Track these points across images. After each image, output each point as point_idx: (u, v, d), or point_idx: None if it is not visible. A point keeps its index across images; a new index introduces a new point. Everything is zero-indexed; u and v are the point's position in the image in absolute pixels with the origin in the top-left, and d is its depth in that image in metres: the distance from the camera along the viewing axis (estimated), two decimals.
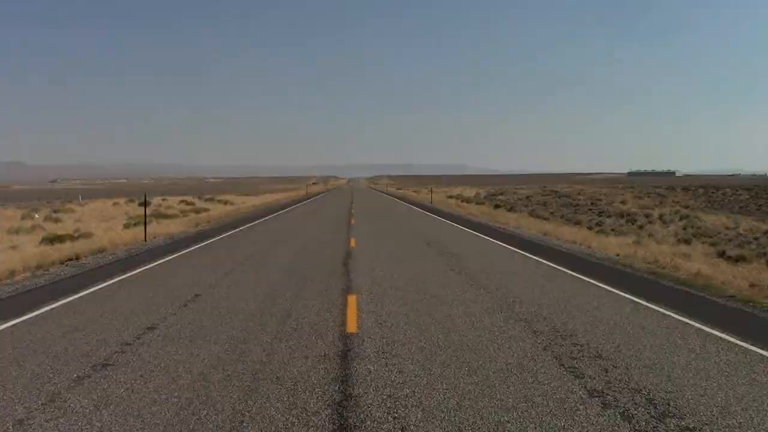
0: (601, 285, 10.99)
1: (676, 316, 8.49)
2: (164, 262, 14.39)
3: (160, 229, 22.91)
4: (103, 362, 6.34)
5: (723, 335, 7.47)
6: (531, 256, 15.37)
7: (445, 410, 5.04)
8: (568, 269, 12.94)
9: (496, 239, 19.83)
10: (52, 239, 18.46)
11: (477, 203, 48.79)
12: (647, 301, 9.49)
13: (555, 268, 13.24)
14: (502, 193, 68.11)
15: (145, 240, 19.75)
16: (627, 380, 5.79)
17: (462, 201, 53.89)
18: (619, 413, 5.00)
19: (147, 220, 22.91)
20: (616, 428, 4.73)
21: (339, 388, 5.56)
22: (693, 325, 7.97)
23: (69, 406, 5.17)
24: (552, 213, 35.59)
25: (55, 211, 37.71)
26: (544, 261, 14.33)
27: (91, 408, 5.12)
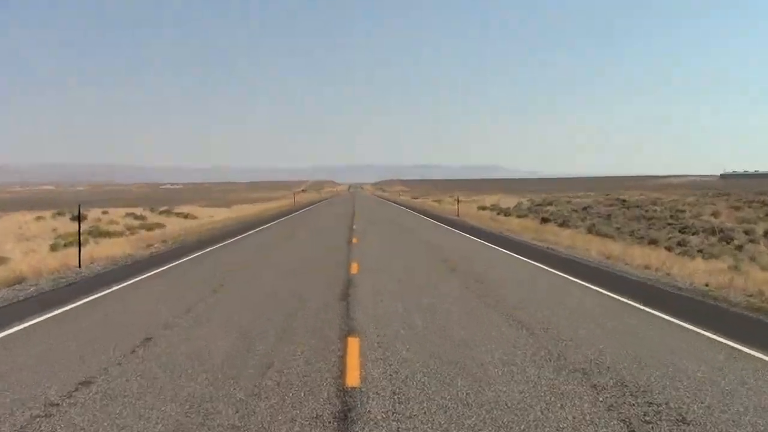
0: (684, 325, 10.92)
1: None
2: (104, 295, 14.43)
3: (99, 252, 23.02)
4: (19, 430, 6.34)
5: None
6: (589, 285, 15.32)
7: None
8: (639, 303, 12.88)
9: (542, 264, 19.79)
10: None
11: (518, 216, 48.73)
12: (748, 347, 9.40)
13: (622, 301, 13.19)
14: (551, 203, 68.00)
15: (79, 266, 19.85)
16: None
17: (498, 213, 53.87)
18: None
19: (82, 239, 23.03)
20: None
21: None
22: None
23: None
24: (618, 229, 35.46)
25: None
26: (607, 292, 14.27)
27: None
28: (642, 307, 12.49)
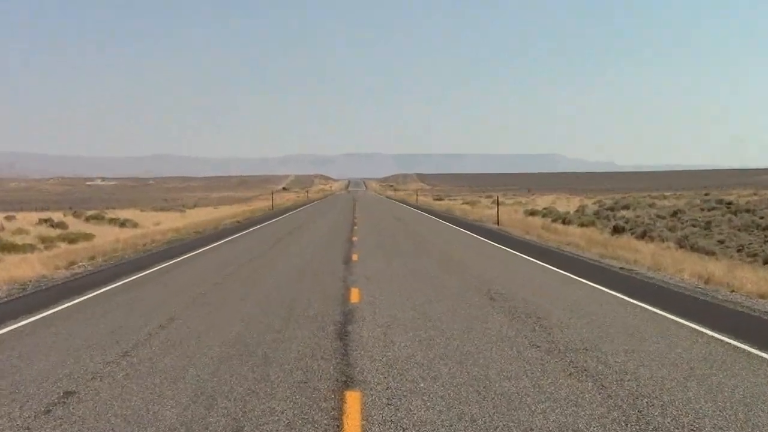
0: None
1: None
2: (9, 332, 14.46)
3: (0, 272, 23.05)
4: None
5: None
6: (680, 320, 15.22)
7: None
8: (753, 347, 12.77)
9: (613, 290, 19.68)
10: None
11: (580, 224, 48.64)
12: None
13: (726, 343, 13.07)
14: (627, 206, 67.84)
15: None
16: None
17: (553, 220, 53.77)
18: None
19: None
20: None
21: None
22: None
23: None
24: (721, 242, 35.31)
25: None
26: (705, 330, 14.17)
27: None
28: (757, 353, 12.37)
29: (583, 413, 8.96)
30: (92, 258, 29.48)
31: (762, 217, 50.11)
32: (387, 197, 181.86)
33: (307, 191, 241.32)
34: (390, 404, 9.31)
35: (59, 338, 13.72)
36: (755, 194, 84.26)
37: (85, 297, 19.05)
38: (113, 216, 63.69)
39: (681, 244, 34.08)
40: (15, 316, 16.20)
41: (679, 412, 9.01)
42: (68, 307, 17.51)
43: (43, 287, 21.41)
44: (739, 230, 42.71)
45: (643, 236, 38.76)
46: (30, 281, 22.49)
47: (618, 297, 18.69)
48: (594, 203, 77.80)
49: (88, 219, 60.05)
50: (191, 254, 31.64)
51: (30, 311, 16.75)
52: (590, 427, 8.46)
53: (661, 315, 16.03)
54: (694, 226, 45.76)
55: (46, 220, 54.25)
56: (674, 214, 56.10)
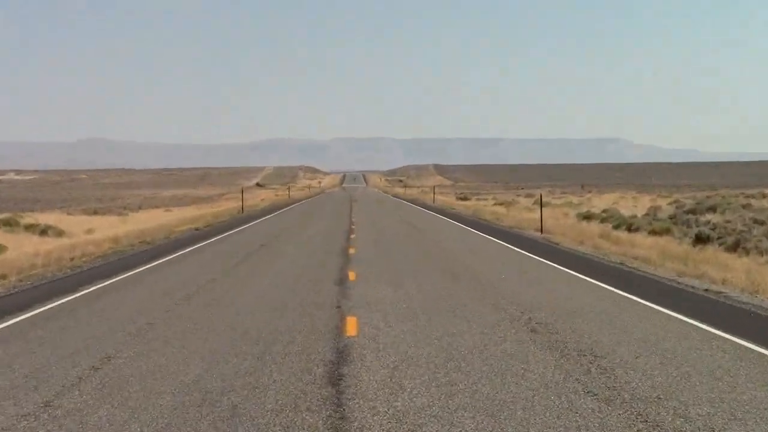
0: None
1: None
2: None
3: None
4: None
5: None
6: None
7: None
8: None
9: (694, 319, 19.61)
10: None
11: (651, 232, 48.49)
12: None
13: None
14: (713, 208, 67.70)
15: None
16: None
17: (616, 226, 53.61)
18: None
19: None
20: None
21: None
22: None
23: None
24: None
25: None
26: None
27: None
28: None
29: None
30: (3, 277, 29.46)
31: None
32: (394, 196, 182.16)
33: (288, 188, 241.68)
34: None
35: None
36: None
37: None
38: (31, 221, 63.52)
39: None
40: None
41: None
42: None
43: None
44: None
45: (735, 248, 38.63)
46: None
47: (701, 328, 18.65)
48: (670, 204, 77.67)
49: None
50: (135, 272, 31.65)
51: None
52: None
53: (757, 352, 15.98)
54: None
55: None
56: None
